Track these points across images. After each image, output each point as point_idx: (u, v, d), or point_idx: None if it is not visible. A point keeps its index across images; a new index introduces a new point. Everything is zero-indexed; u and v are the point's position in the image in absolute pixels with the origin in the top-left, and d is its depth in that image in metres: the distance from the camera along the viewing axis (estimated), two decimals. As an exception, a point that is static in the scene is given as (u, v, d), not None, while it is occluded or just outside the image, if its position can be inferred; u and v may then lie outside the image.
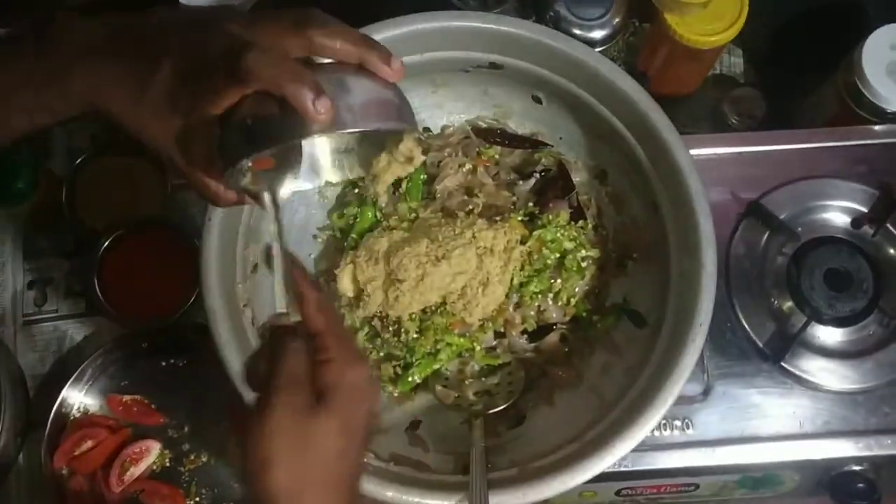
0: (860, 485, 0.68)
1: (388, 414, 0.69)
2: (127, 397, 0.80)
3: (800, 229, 0.72)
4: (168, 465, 0.79)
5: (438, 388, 0.69)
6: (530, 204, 0.72)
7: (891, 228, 0.73)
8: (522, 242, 0.69)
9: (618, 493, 0.73)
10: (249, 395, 0.46)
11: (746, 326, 0.71)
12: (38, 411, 0.79)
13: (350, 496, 0.45)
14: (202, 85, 0.47)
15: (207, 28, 0.49)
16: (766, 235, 0.73)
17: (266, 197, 0.53)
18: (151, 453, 0.78)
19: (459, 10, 0.75)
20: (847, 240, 0.72)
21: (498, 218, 0.70)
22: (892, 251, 0.73)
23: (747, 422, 0.69)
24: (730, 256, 0.72)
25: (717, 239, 0.61)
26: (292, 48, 0.47)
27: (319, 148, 0.56)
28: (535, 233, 0.69)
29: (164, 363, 0.81)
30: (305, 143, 0.55)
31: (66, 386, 0.79)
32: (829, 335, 0.71)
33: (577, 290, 0.70)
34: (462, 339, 0.69)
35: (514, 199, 0.73)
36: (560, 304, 0.70)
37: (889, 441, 0.68)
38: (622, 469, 0.67)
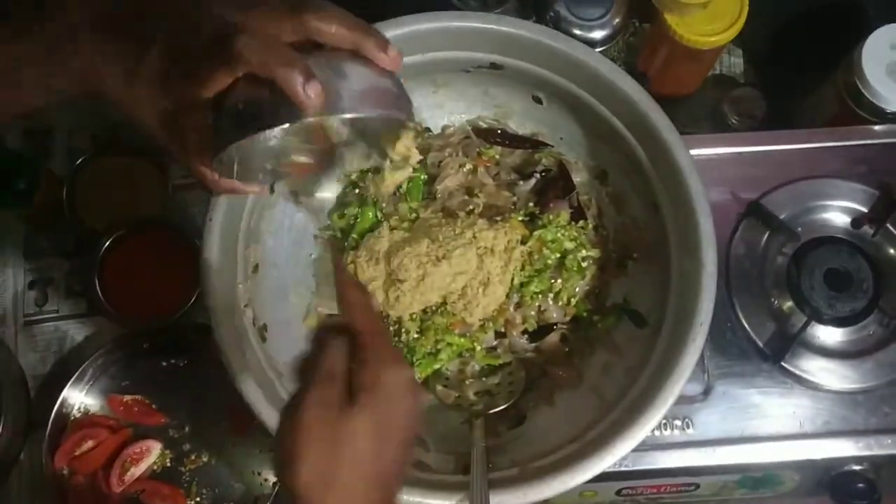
0: (860, 485, 0.69)
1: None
2: (128, 397, 0.80)
3: (800, 229, 0.72)
4: (169, 465, 0.79)
5: (439, 387, 0.69)
6: (531, 204, 0.72)
7: (891, 228, 0.73)
8: (523, 242, 0.69)
9: (618, 492, 0.73)
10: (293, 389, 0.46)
11: (746, 326, 0.71)
12: (39, 411, 0.79)
13: (382, 501, 0.44)
14: (193, 67, 0.47)
15: (200, 9, 0.48)
16: (766, 235, 0.73)
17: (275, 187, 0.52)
18: (152, 453, 0.78)
19: (460, 11, 0.75)
20: (847, 240, 0.72)
21: (498, 218, 0.70)
22: (892, 251, 0.73)
23: (747, 422, 0.69)
24: (730, 256, 0.73)
25: (718, 239, 0.61)
26: (286, 32, 0.46)
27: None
28: (536, 233, 0.69)
29: (164, 363, 0.81)
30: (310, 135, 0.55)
31: (67, 386, 0.79)
32: (829, 335, 0.71)
33: (577, 290, 0.70)
34: (462, 339, 0.69)
35: (515, 199, 0.73)
36: (560, 304, 0.70)
37: (889, 441, 0.68)
38: (623, 469, 0.67)
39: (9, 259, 0.86)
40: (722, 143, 0.75)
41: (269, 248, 0.70)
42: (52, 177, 0.83)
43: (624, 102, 0.65)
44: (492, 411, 0.67)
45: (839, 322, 0.71)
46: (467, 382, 0.70)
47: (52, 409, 0.78)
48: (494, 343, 0.71)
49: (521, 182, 0.73)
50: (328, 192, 0.62)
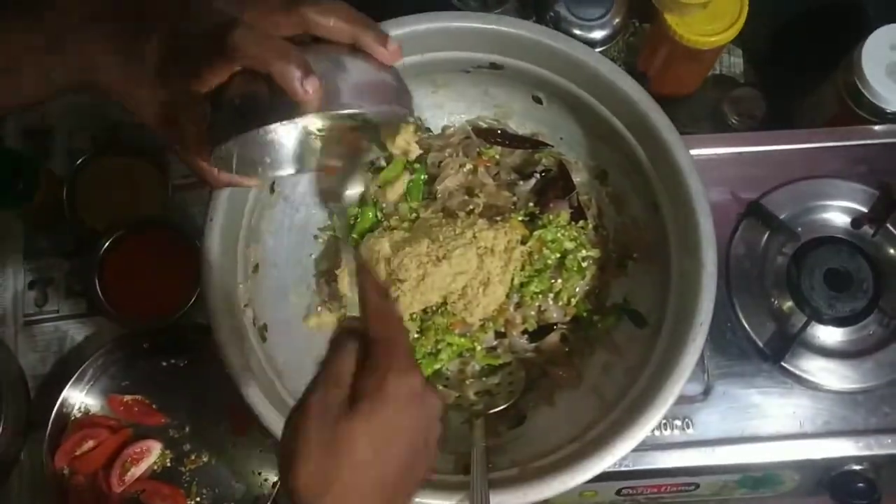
0: (860, 484, 0.69)
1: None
2: (128, 397, 0.80)
3: (800, 229, 0.72)
4: (169, 465, 0.79)
5: (439, 387, 0.69)
6: (531, 204, 0.72)
7: (891, 228, 0.73)
8: (523, 242, 0.69)
9: (618, 492, 0.73)
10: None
11: (746, 326, 0.71)
12: (40, 411, 0.79)
13: None
14: (191, 61, 0.46)
15: (200, 3, 0.48)
16: (766, 235, 0.73)
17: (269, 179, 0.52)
18: (152, 453, 0.78)
19: (460, 11, 0.75)
20: (847, 240, 0.72)
21: (498, 218, 0.70)
22: (892, 251, 0.73)
23: (747, 421, 0.69)
24: (730, 256, 0.73)
25: (718, 239, 0.61)
26: (284, 25, 0.46)
27: (318, 133, 0.55)
28: (536, 233, 0.69)
29: (164, 363, 0.81)
30: (301, 126, 0.55)
31: (67, 386, 0.79)
32: (829, 335, 0.71)
33: (577, 290, 0.71)
34: (463, 339, 0.70)
35: (515, 199, 0.73)
36: (560, 304, 0.70)
37: (889, 441, 0.68)
38: (623, 469, 0.67)
39: (9, 259, 0.86)
40: (722, 143, 0.75)
41: (269, 248, 0.70)
42: (52, 177, 0.83)
43: (624, 102, 0.65)
44: (492, 411, 0.67)
45: (839, 322, 0.71)
46: (467, 382, 0.70)
47: (53, 409, 0.78)
48: (494, 343, 0.71)
49: (521, 182, 0.74)
50: (354, 189, 0.62)
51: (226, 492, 0.78)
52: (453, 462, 0.65)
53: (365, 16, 0.48)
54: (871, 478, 0.69)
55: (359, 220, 0.72)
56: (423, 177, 0.73)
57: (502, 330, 0.71)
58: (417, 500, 0.58)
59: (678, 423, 0.69)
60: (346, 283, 0.69)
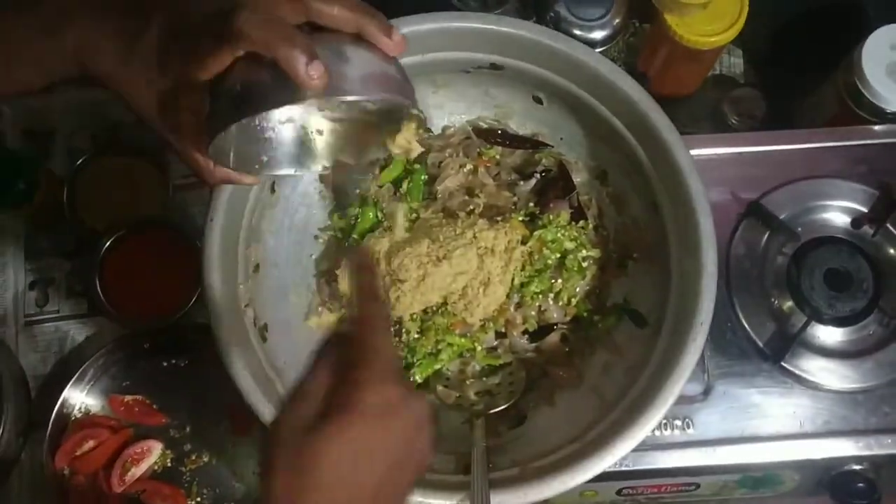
0: (860, 484, 0.69)
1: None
2: (128, 397, 0.80)
3: (800, 229, 0.72)
4: (169, 465, 0.79)
5: (440, 388, 0.70)
6: (531, 204, 0.72)
7: (891, 228, 0.73)
8: (523, 243, 0.69)
9: (619, 492, 0.73)
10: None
11: (747, 326, 0.71)
12: (40, 411, 0.79)
13: None
14: (191, 46, 0.45)
15: None
16: (766, 235, 0.73)
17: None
18: (153, 453, 0.78)
19: (460, 11, 0.75)
20: (847, 240, 0.72)
21: (499, 218, 0.70)
22: (892, 251, 0.73)
23: (747, 421, 0.69)
24: (730, 256, 0.73)
25: (718, 239, 0.62)
26: (287, 13, 0.45)
27: (319, 131, 0.55)
28: (536, 233, 0.69)
29: (165, 363, 0.81)
30: (300, 125, 0.54)
31: (68, 386, 0.79)
32: (829, 335, 0.71)
33: (577, 290, 0.71)
34: (463, 340, 0.70)
35: (515, 199, 0.73)
36: (561, 304, 0.70)
37: (889, 440, 0.68)
38: (623, 469, 0.67)
39: (9, 259, 0.86)
40: (722, 143, 0.75)
41: (269, 248, 0.70)
42: (52, 177, 0.83)
43: (624, 103, 0.65)
44: (492, 411, 0.67)
45: (839, 322, 0.71)
46: (468, 382, 0.70)
47: (53, 409, 0.78)
48: (495, 343, 0.72)
49: (522, 182, 0.74)
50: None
51: (226, 492, 0.78)
52: (454, 462, 0.65)
53: (369, 5, 0.47)
54: (871, 478, 0.69)
55: (359, 220, 0.72)
56: (423, 177, 0.73)
57: (503, 330, 0.71)
58: (419, 499, 0.58)
59: (678, 423, 0.69)
60: (347, 284, 0.69)
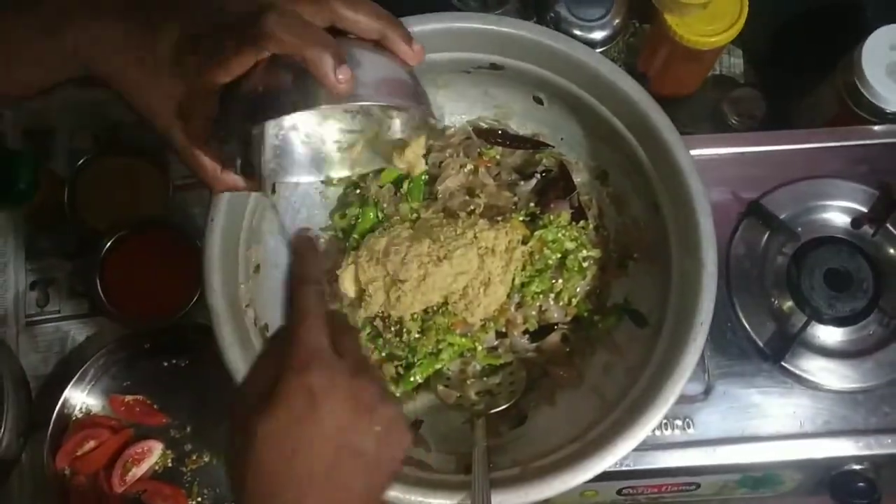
0: (860, 484, 0.69)
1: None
2: (129, 397, 0.80)
3: (800, 229, 0.73)
4: (170, 465, 0.79)
5: (440, 388, 0.70)
6: (531, 204, 0.72)
7: (891, 228, 0.73)
8: (524, 243, 0.69)
9: (619, 492, 0.73)
10: None
11: (747, 326, 0.71)
12: (41, 412, 0.79)
13: None
14: (215, 48, 0.45)
15: None
16: (766, 235, 0.73)
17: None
18: (153, 453, 0.79)
19: (460, 11, 0.75)
20: (847, 240, 0.72)
21: (499, 218, 0.70)
22: (892, 251, 0.73)
23: (748, 421, 0.69)
24: (730, 256, 0.73)
25: (718, 239, 0.62)
26: (313, 16, 0.45)
27: (328, 140, 0.55)
28: (537, 233, 0.69)
29: (166, 363, 0.82)
30: (317, 135, 0.54)
31: (69, 386, 0.79)
32: (829, 335, 0.71)
33: (578, 290, 0.71)
34: (464, 339, 0.70)
35: (516, 199, 0.73)
36: (561, 304, 0.71)
37: (889, 440, 0.68)
38: (623, 468, 0.67)
39: (10, 259, 0.86)
40: (722, 143, 0.76)
41: (270, 249, 0.70)
42: (53, 177, 0.83)
43: (624, 103, 0.65)
44: (493, 411, 0.67)
45: (839, 322, 0.71)
46: (469, 382, 0.70)
47: (54, 409, 0.78)
48: (495, 343, 0.72)
49: (522, 182, 0.74)
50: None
51: (227, 492, 0.78)
52: (455, 462, 0.65)
53: (391, 14, 0.47)
54: (871, 477, 0.69)
55: (359, 220, 0.72)
56: (423, 177, 0.73)
57: (503, 330, 0.71)
58: (420, 499, 0.58)
59: (679, 422, 0.69)
60: (348, 284, 0.69)
